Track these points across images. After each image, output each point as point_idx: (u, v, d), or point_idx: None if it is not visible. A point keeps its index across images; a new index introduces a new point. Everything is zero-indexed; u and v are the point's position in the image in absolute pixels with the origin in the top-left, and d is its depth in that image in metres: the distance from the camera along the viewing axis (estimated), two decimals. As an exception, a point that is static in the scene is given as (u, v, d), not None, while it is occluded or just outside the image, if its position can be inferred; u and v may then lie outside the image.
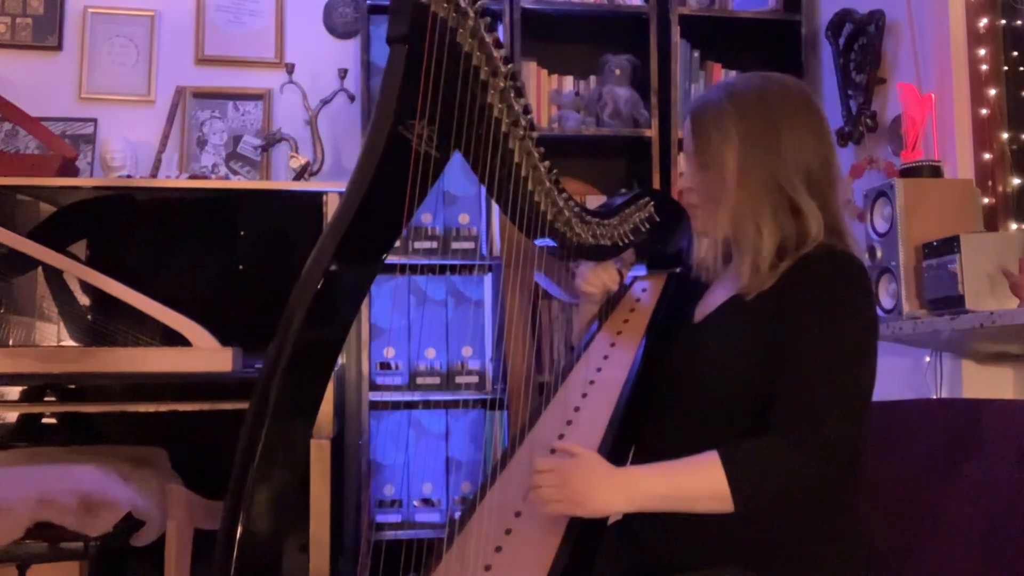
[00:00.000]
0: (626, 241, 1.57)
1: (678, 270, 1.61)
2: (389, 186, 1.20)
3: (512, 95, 1.34)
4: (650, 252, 1.67)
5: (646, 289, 1.63)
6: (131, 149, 3.12)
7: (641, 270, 1.70)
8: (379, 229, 1.21)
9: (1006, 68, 2.57)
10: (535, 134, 1.39)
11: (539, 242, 1.50)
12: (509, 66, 1.32)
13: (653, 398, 1.42)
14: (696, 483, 1.23)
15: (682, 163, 1.65)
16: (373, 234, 1.21)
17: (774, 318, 1.28)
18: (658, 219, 1.59)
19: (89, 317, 2.50)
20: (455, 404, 3.01)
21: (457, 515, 1.41)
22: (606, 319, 1.61)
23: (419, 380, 2.99)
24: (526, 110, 1.36)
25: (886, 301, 2.51)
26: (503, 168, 1.36)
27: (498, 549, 1.29)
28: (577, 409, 1.46)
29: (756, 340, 1.29)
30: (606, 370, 1.50)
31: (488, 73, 1.31)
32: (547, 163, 1.41)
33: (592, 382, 1.50)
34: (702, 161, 1.37)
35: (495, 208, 2.31)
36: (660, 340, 1.50)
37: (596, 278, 1.61)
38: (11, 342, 2.48)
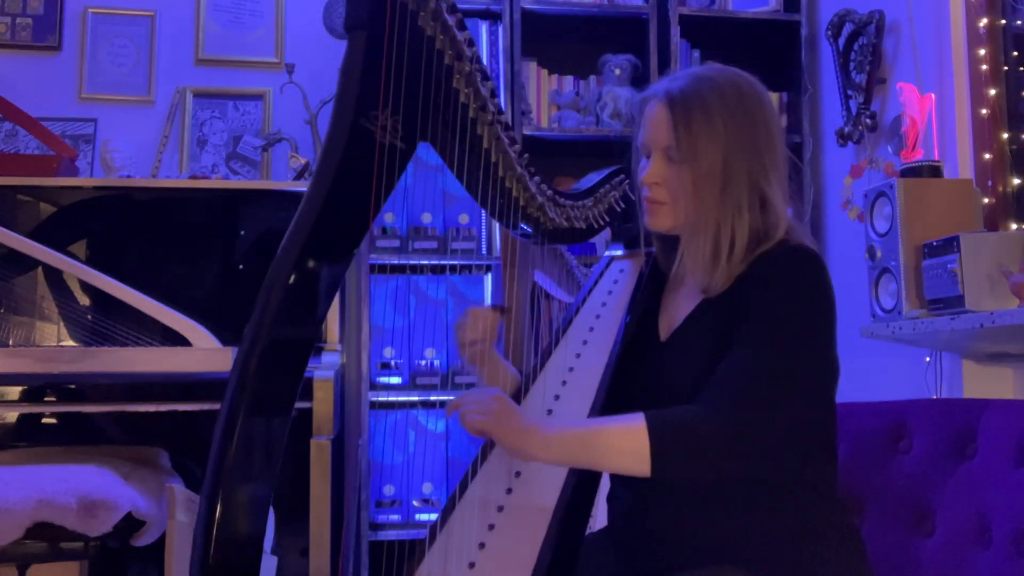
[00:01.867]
0: (601, 222, 1.53)
1: (654, 249, 1.59)
2: (353, 180, 1.17)
3: (478, 79, 1.29)
4: (627, 231, 1.62)
5: (624, 270, 1.60)
6: (131, 149, 3.12)
7: (618, 249, 1.67)
8: (345, 225, 1.18)
9: (1006, 68, 2.57)
10: (504, 118, 1.34)
11: (513, 231, 1.47)
12: (473, 49, 1.28)
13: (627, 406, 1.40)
14: (615, 438, 1.21)
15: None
16: (339, 230, 1.18)
17: (733, 316, 1.27)
18: (634, 197, 1.55)
19: (89, 317, 2.50)
20: (455, 404, 3.01)
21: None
22: (583, 303, 1.59)
23: (419, 380, 2.99)
24: (493, 94, 1.32)
25: (886, 301, 2.51)
26: (472, 155, 1.32)
27: (481, 546, 1.29)
28: (557, 398, 1.44)
29: (722, 348, 1.27)
30: (585, 357, 1.48)
31: (452, 57, 1.26)
32: (517, 147, 1.37)
33: (571, 369, 1.48)
34: (684, 156, 1.31)
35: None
36: (640, 323, 1.47)
37: (467, 337, 1.51)
38: (11, 342, 2.48)
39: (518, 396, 1.48)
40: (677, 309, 1.41)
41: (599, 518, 1.51)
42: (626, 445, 1.20)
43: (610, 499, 1.45)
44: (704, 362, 1.28)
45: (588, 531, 1.40)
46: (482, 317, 1.52)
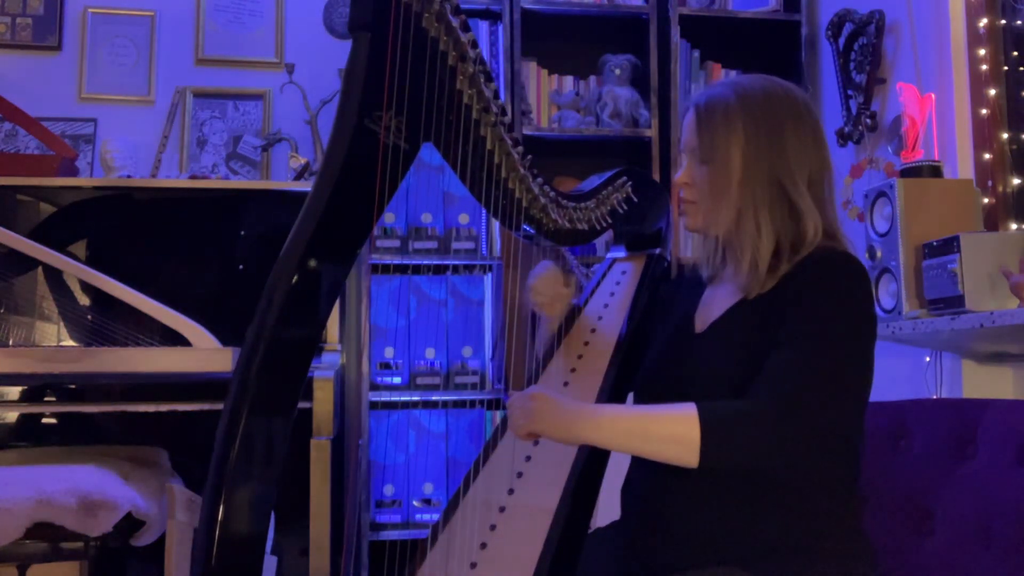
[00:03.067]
0: (603, 224, 1.54)
1: (657, 251, 1.59)
2: (357, 181, 1.17)
3: (482, 80, 1.30)
4: (629, 233, 1.64)
5: (626, 272, 1.61)
6: (131, 149, 3.12)
7: (620, 251, 1.67)
8: (349, 225, 1.19)
9: (1006, 68, 2.57)
10: (507, 119, 1.35)
11: (516, 232, 1.48)
12: (477, 50, 1.28)
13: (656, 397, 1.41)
14: (667, 425, 1.22)
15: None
16: (343, 231, 1.18)
17: (774, 320, 1.28)
18: (636, 199, 1.56)
19: (89, 317, 2.50)
20: (455, 404, 3.01)
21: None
22: (585, 305, 1.59)
23: (419, 380, 2.99)
24: (496, 95, 1.32)
25: (886, 301, 2.51)
26: (475, 156, 1.33)
27: (483, 546, 1.29)
28: None
29: (760, 345, 1.28)
30: (587, 358, 1.48)
31: (456, 58, 1.27)
32: (520, 148, 1.38)
33: (573, 370, 1.48)
34: (705, 156, 1.35)
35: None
36: (641, 323, 1.48)
37: (542, 292, 1.57)
38: (11, 342, 2.47)
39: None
40: (715, 304, 1.42)
41: (599, 517, 1.51)
42: (677, 433, 1.21)
43: (624, 490, 1.45)
44: (738, 356, 1.30)
45: (591, 529, 1.40)
46: (544, 278, 1.58)
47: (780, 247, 1.32)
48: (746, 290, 1.34)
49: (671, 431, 1.22)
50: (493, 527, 1.31)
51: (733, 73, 3.32)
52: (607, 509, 1.48)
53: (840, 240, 1.35)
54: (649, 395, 1.42)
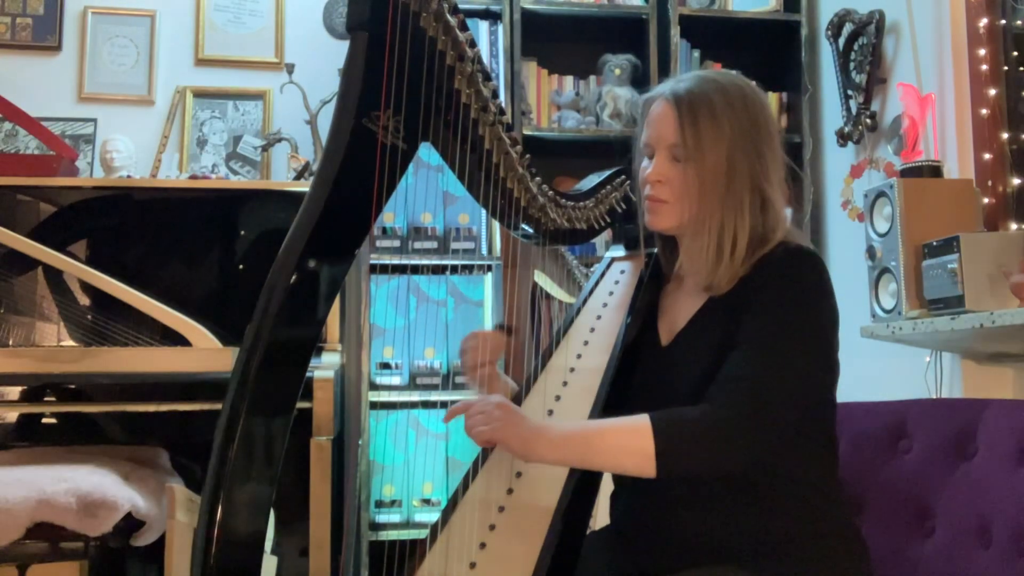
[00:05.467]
0: (602, 223, 1.54)
1: (655, 250, 1.59)
2: (355, 181, 1.17)
3: (480, 79, 1.29)
4: (628, 232, 1.63)
5: (624, 271, 1.60)
6: (131, 149, 3.12)
7: (619, 251, 1.67)
8: (347, 225, 1.19)
9: (1006, 68, 2.57)
10: (505, 118, 1.35)
11: (515, 232, 1.47)
12: (475, 50, 1.28)
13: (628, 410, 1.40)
14: (620, 438, 1.22)
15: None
16: (341, 231, 1.18)
17: (736, 317, 1.28)
18: (635, 198, 1.55)
19: (89, 317, 2.50)
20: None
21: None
22: (584, 304, 1.59)
23: (419, 380, 2.99)
24: (495, 95, 1.32)
25: (886, 301, 2.51)
26: (474, 156, 1.32)
27: (482, 546, 1.29)
28: (558, 398, 1.44)
29: (726, 344, 1.28)
30: (586, 357, 1.48)
31: (454, 58, 1.26)
32: (519, 148, 1.37)
33: (572, 369, 1.48)
34: (688, 154, 1.32)
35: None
36: (641, 324, 1.48)
37: (474, 361, 1.50)
38: (11, 342, 2.47)
39: (517, 401, 1.48)
40: (678, 312, 1.41)
41: (600, 517, 1.51)
42: (631, 445, 1.21)
43: (612, 498, 1.45)
44: (708, 365, 1.28)
45: (589, 530, 1.40)
46: (488, 339, 1.52)
47: (748, 244, 1.31)
48: (713, 287, 1.33)
49: (625, 443, 1.21)
50: (492, 527, 1.31)
51: (734, 73, 3.32)
52: (606, 510, 1.48)
53: (794, 234, 1.34)
54: (621, 410, 1.41)
